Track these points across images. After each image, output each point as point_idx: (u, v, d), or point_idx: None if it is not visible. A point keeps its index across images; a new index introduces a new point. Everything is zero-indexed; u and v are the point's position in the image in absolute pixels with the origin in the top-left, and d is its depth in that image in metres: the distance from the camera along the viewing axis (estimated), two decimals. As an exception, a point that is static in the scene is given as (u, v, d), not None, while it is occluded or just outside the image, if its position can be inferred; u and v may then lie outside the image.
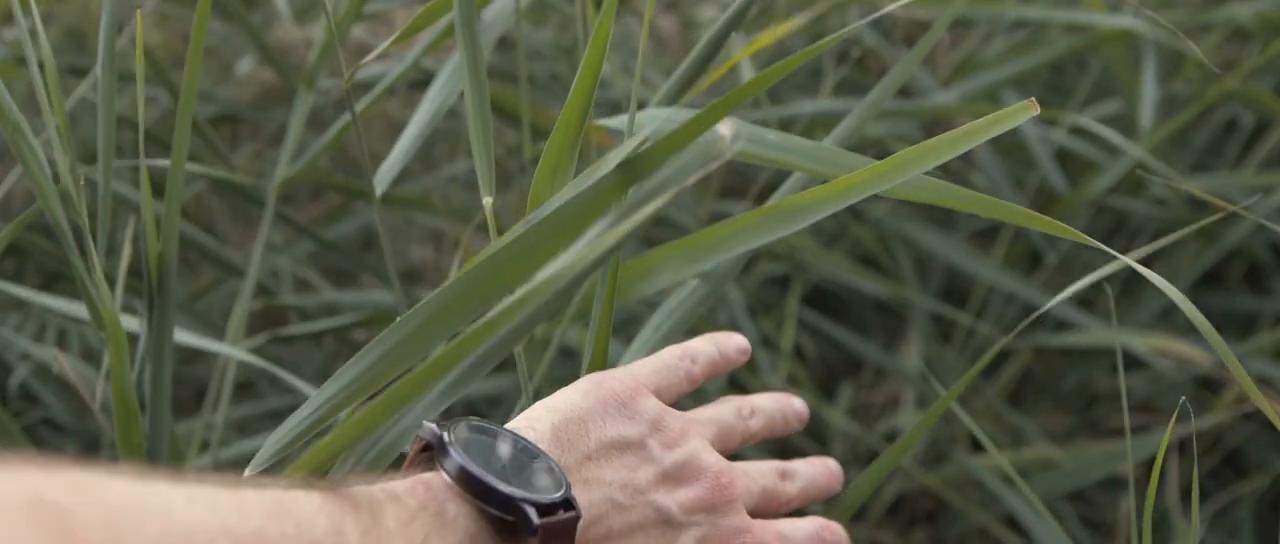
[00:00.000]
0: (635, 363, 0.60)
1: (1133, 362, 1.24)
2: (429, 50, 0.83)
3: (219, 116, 1.17)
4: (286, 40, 1.12)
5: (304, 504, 0.43)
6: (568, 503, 0.50)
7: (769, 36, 0.81)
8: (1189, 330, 1.28)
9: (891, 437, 1.27)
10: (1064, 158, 1.30)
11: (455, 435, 0.50)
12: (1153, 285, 0.57)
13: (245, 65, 1.20)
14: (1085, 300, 1.32)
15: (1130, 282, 1.32)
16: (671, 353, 0.61)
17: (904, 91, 1.28)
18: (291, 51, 1.12)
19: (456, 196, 1.18)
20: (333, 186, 1.06)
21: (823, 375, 1.34)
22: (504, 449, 0.51)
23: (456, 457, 0.49)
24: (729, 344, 0.64)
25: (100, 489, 0.36)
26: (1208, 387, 1.23)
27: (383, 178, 0.77)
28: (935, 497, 1.21)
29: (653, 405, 0.56)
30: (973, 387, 1.26)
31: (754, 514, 0.58)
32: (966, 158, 1.20)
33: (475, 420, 0.52)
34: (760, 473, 0.60)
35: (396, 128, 1.17)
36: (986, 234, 1.38)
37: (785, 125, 1.17)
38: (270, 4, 1.13)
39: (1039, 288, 1.21)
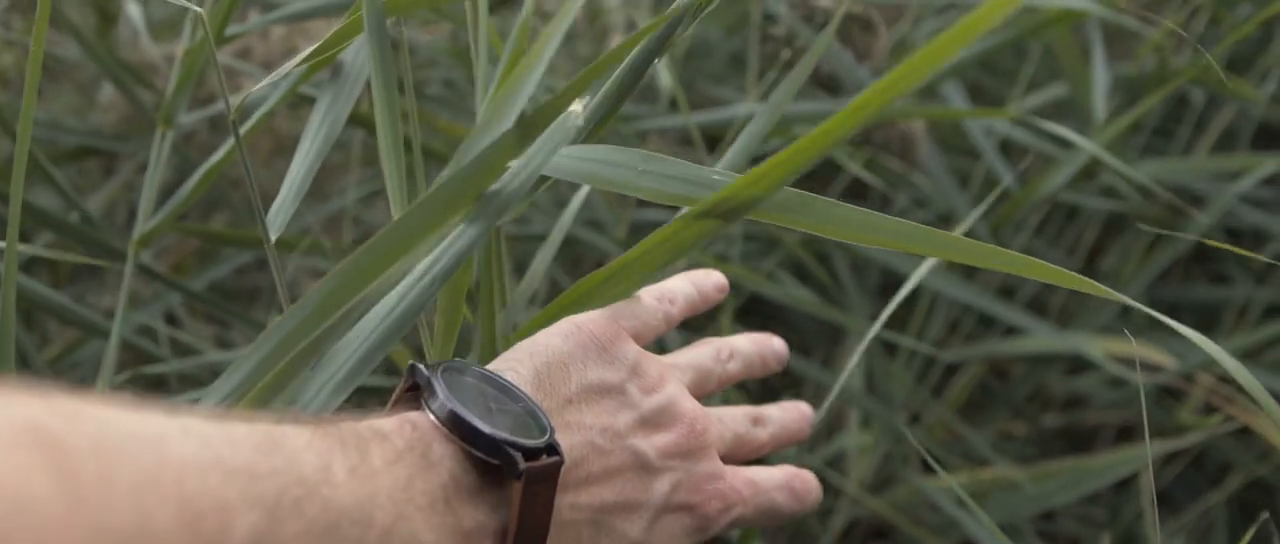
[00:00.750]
0: (613, 306, 0.59)
1: (1089, 365, 1.15)
2: (308, 75, 0.72)
3: (81, 149, 1.04)
4: (148, 60, 1.00)
5: (293, 439, 0.43)
6: (552, 448, 0.50)
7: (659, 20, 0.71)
8: (1148, 328, 1.22)
9: (835, 460, 1.17)
10: (1007, 148, 1.22)
11: (442, 377, 0.50)
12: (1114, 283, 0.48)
13: (109, 90, 1.07)
14: (1037, 301, 1.24)
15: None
16: (650, 294, 0.61)
17: (836, 87, 1.18)
18: (156, 72, 1.00)
19: (347, 231, 1.07)
20: (206, 236, 0.94)
21: (759, 393, 1.24)
22: (489, 392, 0.51)
23: (444, 398, 0.49)
24: (707, 282, 0.64)
25: (95, 418, 0.36)
26: (1169, 391, 1.15)
27: (275, 220, 0.66)
28: (887, 522, 1.12)
29: (632, 350, 0.56)
30: (922, 401, 1.17)
31: (726, 459, 0.58)
32: (905, 154, 1.11)
33: (461, 362, 0.52)
34: (734, 419, 0.60)
35: (270, 153, 1.05)
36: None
37: (714, 132, 1.07)
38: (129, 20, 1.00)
39: (983, 291, 1.12)
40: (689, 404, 0.57)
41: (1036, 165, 1.19)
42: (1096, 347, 1.07)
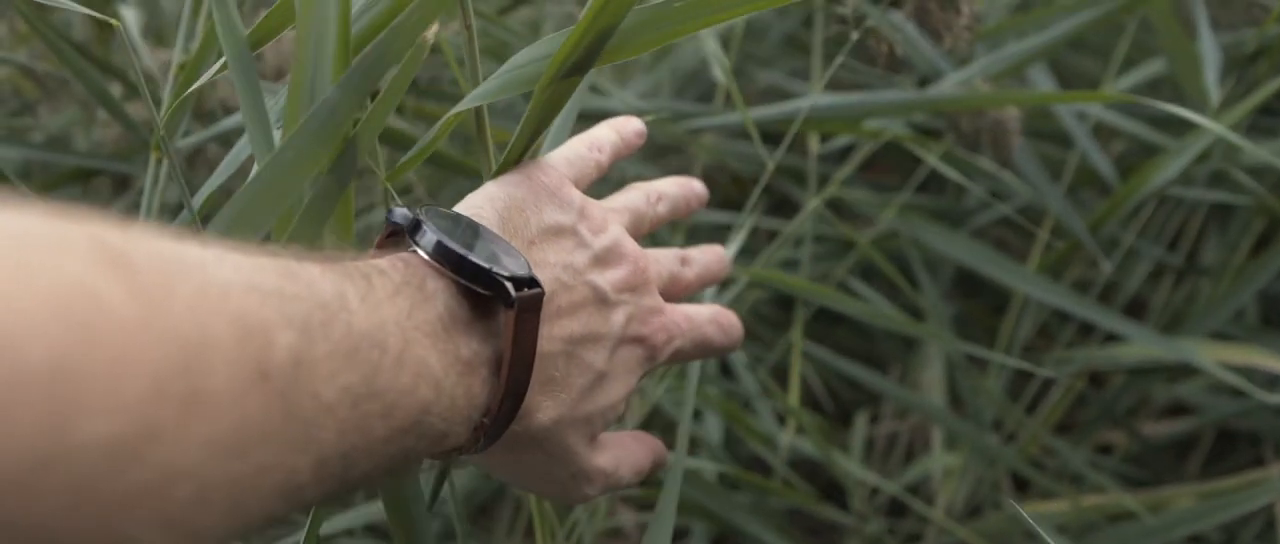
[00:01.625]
0: (550, 155, 0.62)
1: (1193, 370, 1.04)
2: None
3: (79, 171, 0.95)
4: (147, 68, 0.90)
5: (310, 269, 0.45)
6: (533, 280, 0.52)
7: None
8: (1264, 329, 1.10)
9: (919, 485, 1.07)
10: (1099, 132, 1.10)
11: (428, 217, 0.52)
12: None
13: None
14: (1136, 303, 1.12)
15: (1190, 274, 1.12)
16: (581, 142, 0.64)
17: (909, 75, 1.07)
18: (157, 82, 0.90)
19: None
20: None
21: (834, 411, 1.14)
22: (470, 232, 0.53)
23: (433, 234, 0.51)
24: (627, 127, 0.67)
25: (151, 240, 0.39)
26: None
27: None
28: (979, 553, 1.02)
29: (577, 194, 0.59)
30: (1014, 418, 1.06)
31: (662, 296, 0.62)
32: (997, 147, 0.99)
33: (437, 207, 0.54)
34: (666, 258, 0.64)
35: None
36: (1000, 227, 1.18)
37: (776, 127, 0.96)
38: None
39: (1077, 294, 1.00)
40: (631, 243, 0.60)
41: (1132, 153, 1.08)
42: (1207, 354, 0.96)
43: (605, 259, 0.58)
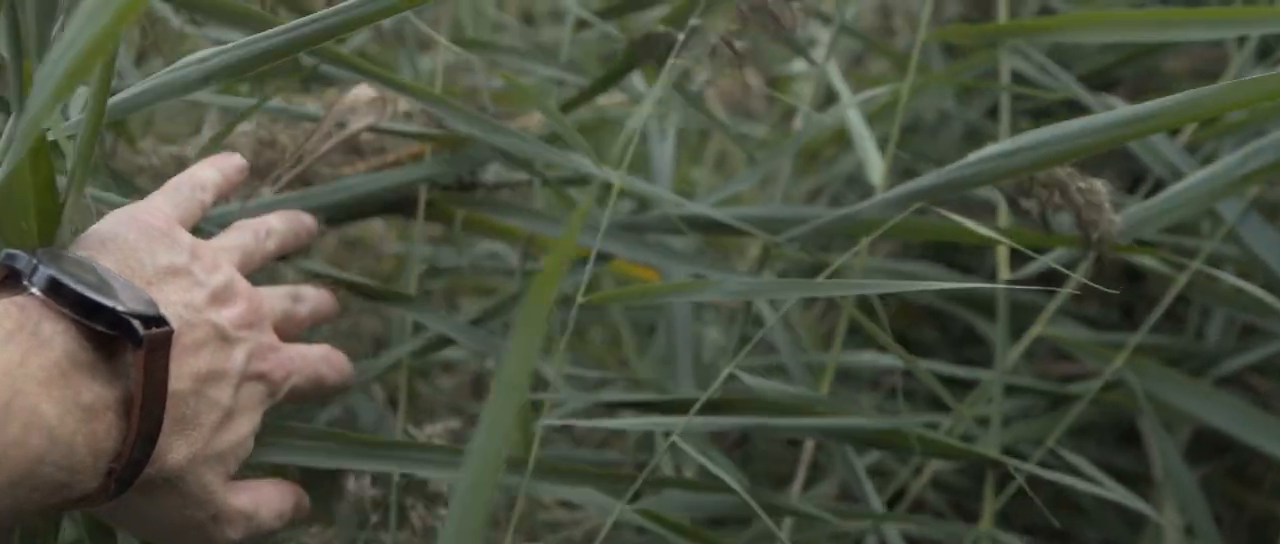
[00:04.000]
0: (153, 197, 0.62)
1: None
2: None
3: None
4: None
5: None
6: (161, 319, 0.53)
7: None
8: None
9: None
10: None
11: (43, 259, 0.51)
12: None
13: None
14: None
15: None
16: (182, 184, 0.63)
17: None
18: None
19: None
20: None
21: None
22: (90, 272, 0.52)
23: (54, 275, 0.50)
24: (228, 164, 0.67)
25: None
26: None
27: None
28: None
29: (186, 235, 0.60)
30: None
31: (277, 333, 0.63)
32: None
33: (53, 249, 0.53)
34: (278, 296, 0.65)
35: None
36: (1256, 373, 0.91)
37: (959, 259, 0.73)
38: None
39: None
40: (243, 281, 0.61)
41: None
42: None
43: (221, 297, 0.59)
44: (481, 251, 0.94)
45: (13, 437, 0.46)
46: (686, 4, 0.78)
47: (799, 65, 1.14)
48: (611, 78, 0.83)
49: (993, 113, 1.00)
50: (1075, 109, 0.84)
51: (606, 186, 0.77)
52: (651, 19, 1.01)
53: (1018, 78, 0.86)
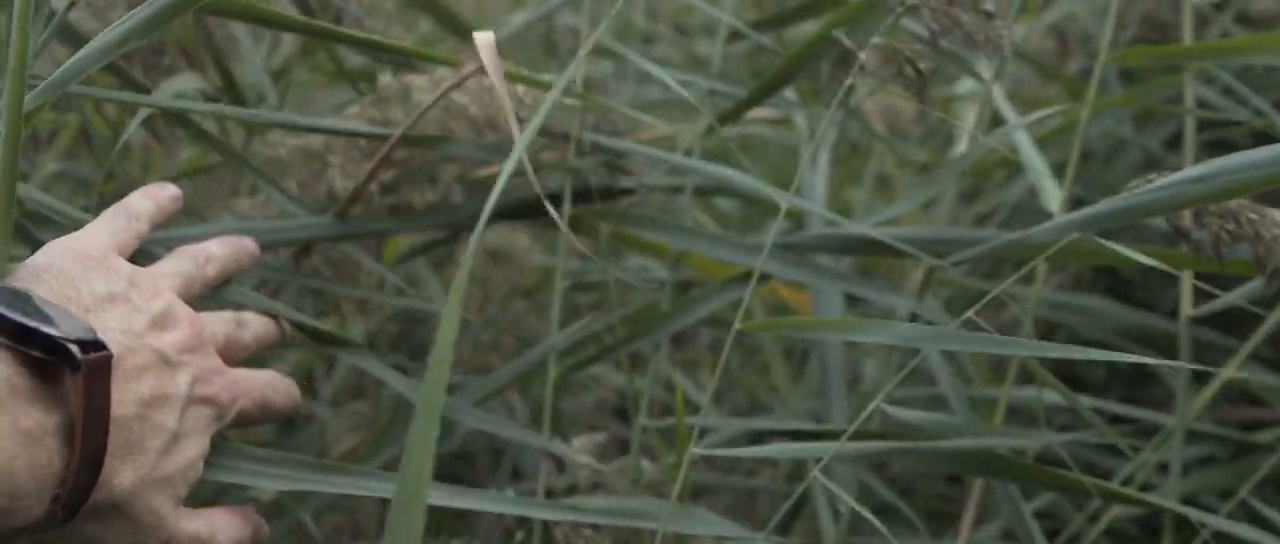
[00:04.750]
0: (87, 228, 0.62)
1: None
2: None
3: None
4: None
5: None
6: (99, 343, 0.53)
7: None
8: None
9: None
10: None
11: None
12: None
13: None
14: None
15: None
16: (118, 213, 0.64)
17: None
18: None
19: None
20: None
21: None
22: (23, 301, 0.53)
23: None
24: (162, 194, 0.67)
25: None
26: None
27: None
28: None
29: (123, 263, 0.61)
30: None
31: (221, 357, 0.63)
32: None
33: None
34: (221, 321, 0.65)
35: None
36: None
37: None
38: None
39: None
40: (183, 307, 0.61)
41: None
42: None
43: (162, 323, 0.59)
44: (630, 265, 0.91)
45: None
46: (842, 18, 0.74)
47: (961, 86, 1.10)
48: (767, 89, 0.80)
49: (1171, 141, 0.95)
50: (1260, 138, 0.79)
51: (756, 202, 0.73)
52: (805, 32, 0.98)
53: (1201, 103, 0.81)
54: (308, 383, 1.00)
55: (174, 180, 0.76)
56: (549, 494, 0.72)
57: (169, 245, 0.67)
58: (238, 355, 0.66)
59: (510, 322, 0.94)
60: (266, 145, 0.79)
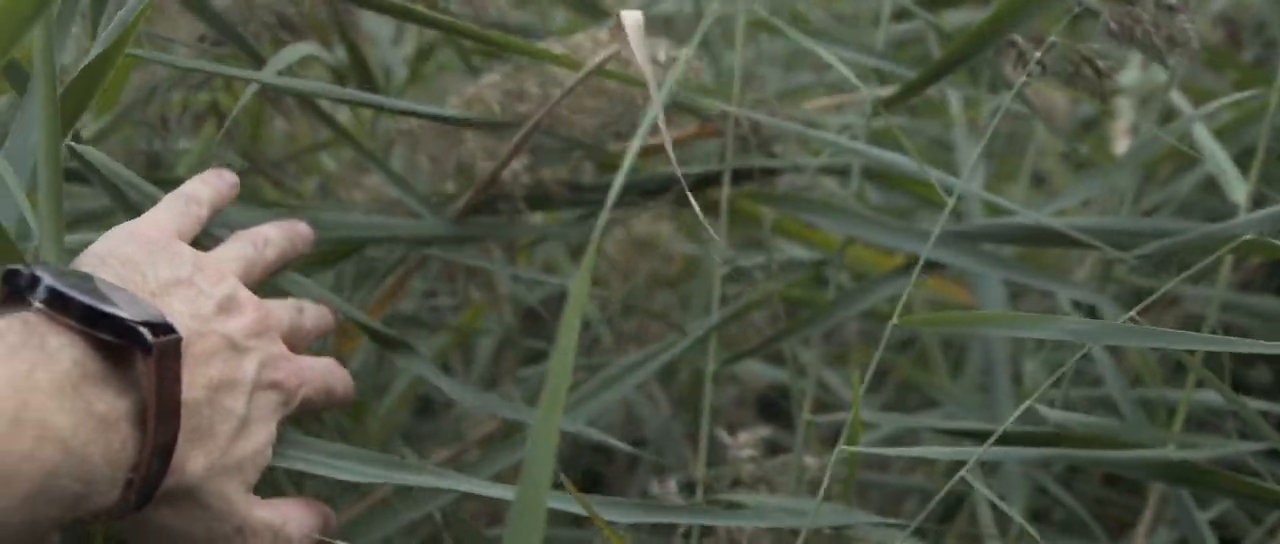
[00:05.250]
0: (150, 213, 0.62)
1: None
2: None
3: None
4: None
5: None
6: (169, 326, 0.52)
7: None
8: None
9: None
10: None
11: (46, 273, 0.51)
12: None
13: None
14: None
15: None
16: (178, 198, 0.64)
17: None
18: None
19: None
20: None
21: None
22: (93, 285, 0.52)
23: (57, 288, 0.50)
24: (219, 180, 0.66)
25: None
26: None
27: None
28: None
29: (186, 248, 0.60)
30: None
31: (285, 344, 0.62)
32: None
33: (55, 264, 0.56)
34: (285, 307, 0.65)
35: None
36: None
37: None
38: None
39: None
40: (247, 292, 0.61)
41: None
42: None
43: (227, 307, 0.59)
44: (784, 254, 0.88)
45: (25, 449, 0.46)
46: (1015, 4, 0.71)
47: (1123, 77, 1.06)
48: (937, 73, 0.77)
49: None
50: None
51: (912, 192, 0.71)
52: (960, 17, 0.95)
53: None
54: (443, 368, 0.99)
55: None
56: (700, 488, 0.70)
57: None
58: (300, 342, 0.66)
59: (655, 311, 0.92)
60: (396, 119, 0.78)
